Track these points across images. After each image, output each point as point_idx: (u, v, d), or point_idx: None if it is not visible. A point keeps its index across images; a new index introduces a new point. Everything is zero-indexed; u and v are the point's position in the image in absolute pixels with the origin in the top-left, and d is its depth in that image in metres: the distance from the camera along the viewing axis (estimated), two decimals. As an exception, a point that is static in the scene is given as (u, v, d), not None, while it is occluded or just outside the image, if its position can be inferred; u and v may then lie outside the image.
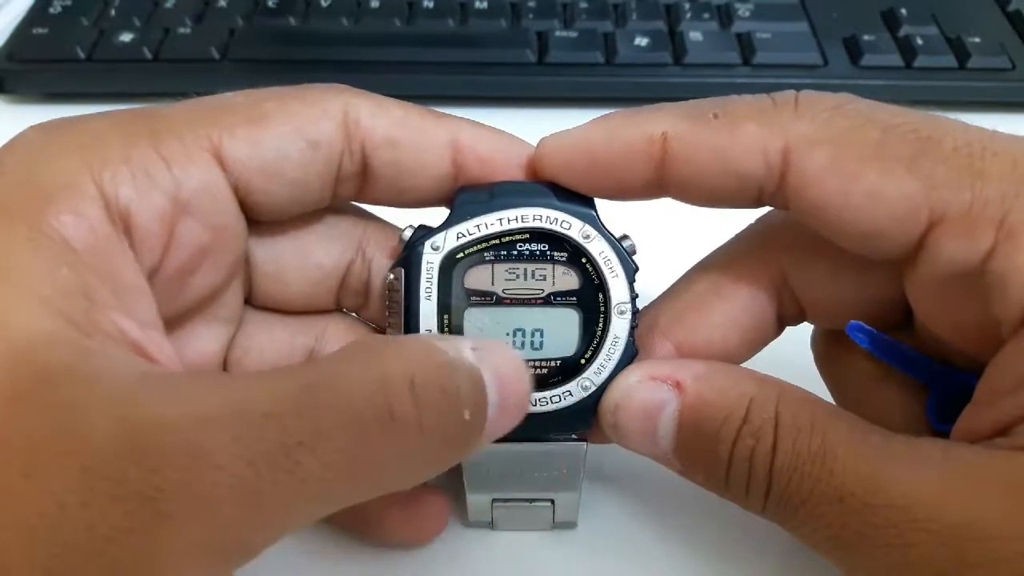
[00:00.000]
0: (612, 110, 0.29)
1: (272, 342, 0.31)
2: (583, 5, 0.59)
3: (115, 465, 0.20)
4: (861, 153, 0.25)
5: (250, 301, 0.31)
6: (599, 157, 0.28)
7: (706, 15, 0.58)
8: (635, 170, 0.27)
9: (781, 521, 0.26)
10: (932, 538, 0.23)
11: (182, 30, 0.57)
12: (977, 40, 0.55)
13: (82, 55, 0.56)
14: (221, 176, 0.27)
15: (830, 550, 0.26)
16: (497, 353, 0.24)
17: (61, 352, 0.21)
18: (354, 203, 0.32)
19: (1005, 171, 0.24)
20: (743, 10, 0.58)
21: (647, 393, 0.28)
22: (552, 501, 0.32)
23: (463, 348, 0.24)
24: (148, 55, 0.56)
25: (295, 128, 0.27)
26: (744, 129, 0.26)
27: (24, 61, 0.56)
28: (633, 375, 0.28)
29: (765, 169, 0.26)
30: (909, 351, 0.29)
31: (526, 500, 0.32)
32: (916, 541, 0.23)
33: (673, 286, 0.32)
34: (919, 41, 0.55)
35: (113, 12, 0.58)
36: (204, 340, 0.30)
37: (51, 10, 0.58)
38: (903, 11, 0.58)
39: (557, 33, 0.57)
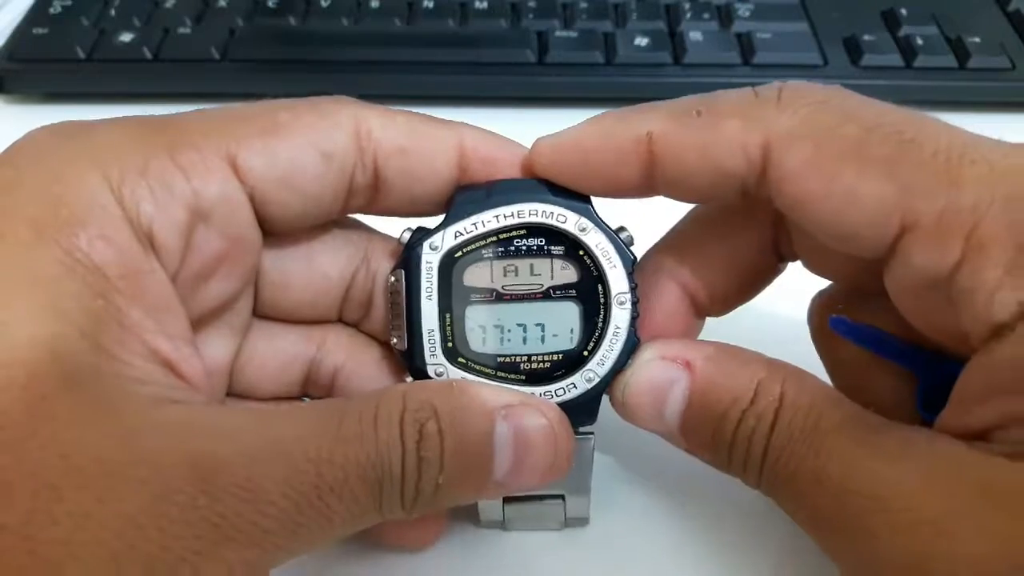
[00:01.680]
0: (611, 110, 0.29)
1: (274, 351, 0.32)
2: (583, 5, 0.59)
3: (186, 493, 0.22)
4: (840, 151, 0.25)
5: (254, 309, 0.31)
6: (591, 158, 0.28)
7: (706, 15, 0.58)
8: (625, 170, 0.28)
9: (771, 496, 0.27)
10: (899, 530, 0.23)
11: (182, 30, 0.57)
12: (977, 40, 0.55)
13: (82, 55, 0.56)
14: (238, 187, 0.27)
15: (809, 529, 0.26)
16: (526, 417, 0.26)
17: (108, 383, 0.23)
18: (358, 219, 0.32)
19: (981, 179, 0.24)
20: (743, 10, 0.58)
21: (657, 372, 0.28)
22: (563, 497, 0.32)
23: (492, 411, 0.26)
24: (148, 55, 0.56)
25: (309, 140, 0.27)
26: (726, 125, 0.26)
27: (24, 61, 0.56)
28: (644, 354, 0.29)
29: (746, 165, 0.26)
30: (895, 341, 0.29)
31: (536, 497, 0.32)
32: (882, 531, 0.24)
33: (675, 227, 0.32)
34: (919, 41, 0.55)
35: (113, 12, 0.58)
36: (217, 347, 0.30)
37: (51, 10, 0.58)
38: (903, 11, 0.58)
39: (557, 33, 0.57)
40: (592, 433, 0.30)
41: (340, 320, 0.32)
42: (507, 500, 0.32)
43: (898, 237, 0.25)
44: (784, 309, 0.34)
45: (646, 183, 0.28)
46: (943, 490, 0.23)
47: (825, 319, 0.32)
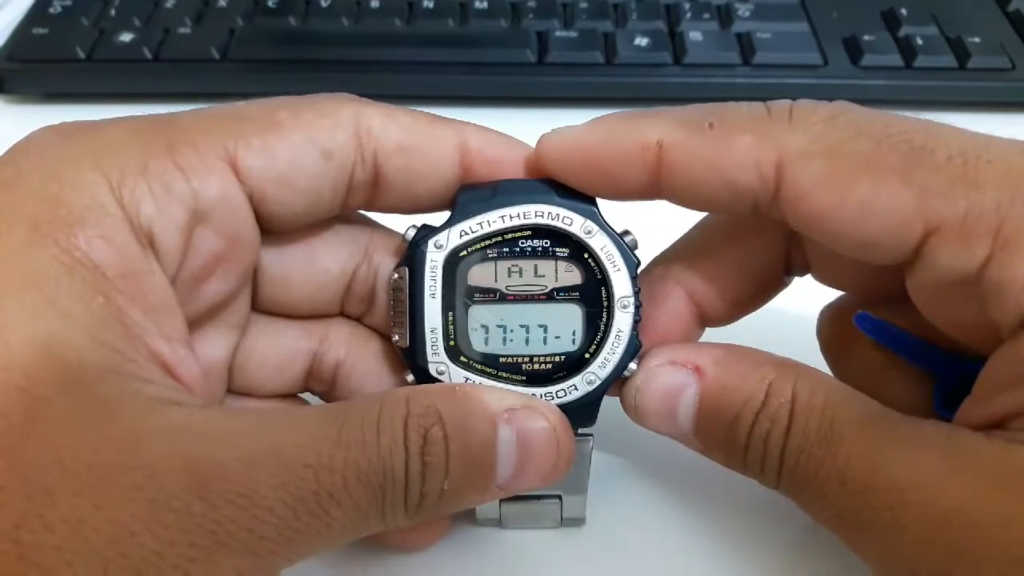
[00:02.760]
0: (612, 110, 0.29)
1: (275, 347, 0.32)
2: (583, 5, 0.59)
3: (182, 499, 0.22)
4: (854, 165, 0.25)
5: (254, 305, 0.31)
6: (595, 159, 0.28)
7: (706, 15, 0.58)
8: (630, 174, 0.28)
9: (792, 497, 0.27)
10: (926, 522, 0.24)
11: (182, 30, 0.57)
12: (977, 40, 0.55)
13: (82, 55, 0.56)
14: (237, 186, 0.27)
15: (834, 528, 0.26)
16: (529, 421, 0.26)
17: (110, 382, 0.23)
18: (361, 212, 0.32)
19: (1000, 178, 0.24)
20: (743, 10, 0.58)
21: (667, 377, 0.28)
22: (559, 497, 0.32)
23: (495, 415, 0.26)
24: (148, 55, 0.56)
25: (308, 138, 0.27)
26: (739, 141, 0.26)
27: (24, 61, 0.56)
28: (654, 359, 0.29)
29: (759, 182, 0.26)
30: (916, 340, 0.30)
31: (533, 496, 0.32)
32: (910, 524, 0.24)
33: (686, 234, 0.32)
34: (919, 41, 0.55)
35: (113, 12, 0.58)
36: (214, 346, 0.30)
37: (51, 10, 0.58)
38: (903, 11, 0.58)
39: (557, 33, 0.57)
40: (591, 434, 0.30)
41: (342, 314, 0.32)
42: (504, 499, 0.32)
43: (922, 241, 0.25)
44: (787, 309, 0.34)
45: (651, 188, 0.28)
46: (964, 480, 0.24)
47: (835, 330, 0.32)
